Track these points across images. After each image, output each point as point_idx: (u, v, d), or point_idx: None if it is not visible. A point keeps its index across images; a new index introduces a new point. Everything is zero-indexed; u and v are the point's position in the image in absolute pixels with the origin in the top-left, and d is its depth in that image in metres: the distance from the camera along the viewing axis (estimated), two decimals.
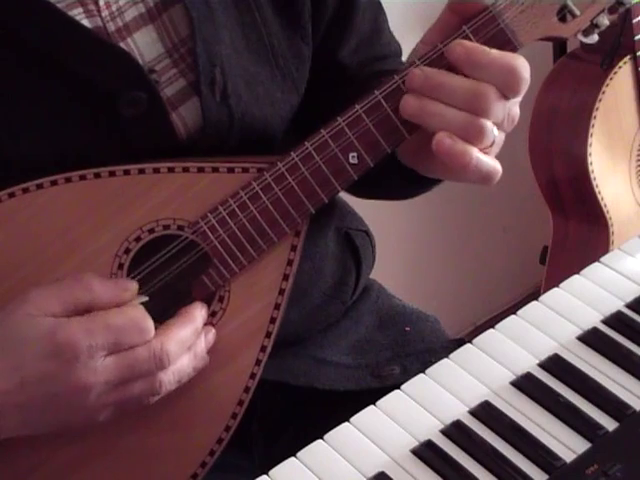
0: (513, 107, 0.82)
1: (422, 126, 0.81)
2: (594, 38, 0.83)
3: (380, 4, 1.01)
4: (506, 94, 0.80)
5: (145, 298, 0.82)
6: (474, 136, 0.80)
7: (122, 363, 0.77)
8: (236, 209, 0.82)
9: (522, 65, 0.79)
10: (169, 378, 0.79)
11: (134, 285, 0.81)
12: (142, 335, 0.78)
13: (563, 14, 0.81)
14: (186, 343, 0.80)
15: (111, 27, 0.83)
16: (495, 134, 0.81)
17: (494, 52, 0.79)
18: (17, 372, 0.76)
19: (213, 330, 0.83)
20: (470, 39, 0.80)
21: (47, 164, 0.82)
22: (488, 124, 0.80)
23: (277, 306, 0.85)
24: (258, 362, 0.85)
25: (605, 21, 0.82)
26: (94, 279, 0.79)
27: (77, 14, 0.82)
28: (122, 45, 0.83)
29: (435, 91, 0.79)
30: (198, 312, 0.83)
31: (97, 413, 0.79)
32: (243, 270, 0.84)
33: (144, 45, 0.84)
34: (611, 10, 0.82)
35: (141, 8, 0.84)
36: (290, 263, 0.85)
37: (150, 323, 0.79)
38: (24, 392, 0.76)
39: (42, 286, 0.79)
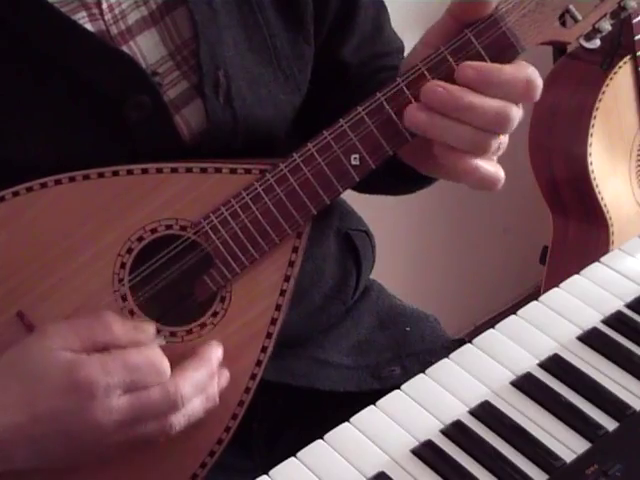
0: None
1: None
2: (596, 43, 0.83)
3: (382, 1, 1.01)
4: (520, 103, 0.80)
5: (163, 341, 0.82)
6: (484, 151, 0.80)
7: (136, 403, 0.77)
8: (238, 210, 0.83)
9: (535, 75, 0.79)
10: (180, 421, 0.79)
11: (152, 328, 0.81)
12: (158, 376, 0.78)
13: (565, 19, 0.81)
14: (200, 386, 0.80)
15: (114, 30, 0.83)
16: (504, 145, 0.81)
17: (505, 68, 0.79)
18: (31, 405, 0.76)
19: (227, 373, 0.83)
20: (472, 42, 0.79)
21: (52, 167, 0.82)
22: (500, 139, 0.80)
23: (278, 307, 0.85)
24: (259, 363, 0.85)
25: (607, 26, 0.82)
26: (113, 319, 0.79)
27: (80, 18, 0.82)
28: (125, 48, 0.83)
29: (461, 112, 0.78)
30: (214, 354, 0.82)
31: (107, 450, 0.79)
32: (245, 271, 0.84)
33: (147, 48, 0.84)
34: (613, 15, 0.82)
35: (144, 11, 0.84)
36: (292, 264, 0.85)
37: (167, 365, 0.79)
38: (37, 426, 0.76)
39: (60, 321, 0.79)
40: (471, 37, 0.80)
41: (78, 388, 0.75)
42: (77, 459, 0.79)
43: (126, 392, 0.77)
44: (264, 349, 0.85)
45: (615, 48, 1.65)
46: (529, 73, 0.79)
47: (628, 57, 1.68)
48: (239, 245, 0.83)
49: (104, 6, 0.83)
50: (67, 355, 0.76)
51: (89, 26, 0.82)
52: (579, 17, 0.81)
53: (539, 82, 0.79)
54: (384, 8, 1.01)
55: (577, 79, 1.72)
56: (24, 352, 0.78)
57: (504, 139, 0.82)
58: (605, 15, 0.82)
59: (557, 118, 1.73)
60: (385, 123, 0.81)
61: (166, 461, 0.85)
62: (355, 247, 1.04)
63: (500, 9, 0.80)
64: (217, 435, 0.85)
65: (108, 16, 0.83)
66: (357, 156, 0.82)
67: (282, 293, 0.85)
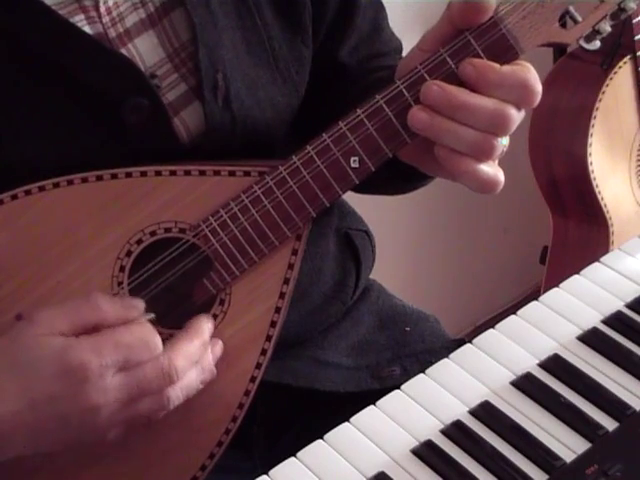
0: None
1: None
2: (596, 44, 0.83)
3: (380, 1, 1.01)
4: (520, 108, 0.79)
5: (152, 315, 0.82)
6: (485, 154, 0.79)
7: (131, 381, 0.77)
8: (237, 212, 0.82)
9: (534, 78, 0.79)
10: (177, 394, 0.79)
11: (141, 303, 0.81)
12: (150, 352, 0.78)
13: (565, 20, 0.81)
14: (194, 357, 0.80)
15: (112, 33, 0.83)
16: (504, 146, 0.81)
17: (504, 69, 0.78)
18: (27, 392, 0.76)
19: (220, 342, 0.83)
20: (472, 44, 0.79)
21: (50, 169, 0.82)
22: (500, 141, 0.79)
23: (278, 310, 0.85)
24: (258, 365, 0.85)
25: (607, 27, 0.81)
26: (102, 298, 0.79)
27: (79, 21, 0.82)
28: (123, 51, 0.83)
29: (455, 110, 0.78)
30: (205, 325, 0.82)
31: (107, 431, 0.79)
32: (244, 273, 0.84)
33: (145, 50, 0.84)
34: (613, 16, 0.81)
35: (142, 13, 0.84)
36: (291, 267, 0.85)
37: (158, 339, 0.79)
38: (34, 412, 0.76)
39: (50, 306, 0.79)
40: (471, 39, 0.79)
41: (71, 372, 0.75)
42: (75, 444, 0.79)
43: (120, 371, 0.77)
44: (264, 352, 0.85)
45: (615, 48, 1.65)
46: (527, 77, 0.78)
47: (628, 57, 1.69)
48: (238, 248, 0.83)
49: (102, 9, 0.82)
50: (57, 340, 0.76)
51: (87, 29, 0.82)
52: (579, 18, 0.81)
53: (537, 87, 0.79)
54: (382, 8, 1.01)
55: (577, 79, 1.72)
56: (15, 341, 0.77)
57: (505, 141, 0.82)
58: (605, 16, 0.81)
59: (557, 118, 1.73)
60: (384, 126, 0.81)
61: (166, 463, 0.85)
62: (355, 247, 1.04)
63: (500, 11, 0.79)
64: (217, 437, 0.85)
65: (106, 19, 0.83)
66: (356, 159, 0.82)
67: (282, 296, 0.85)
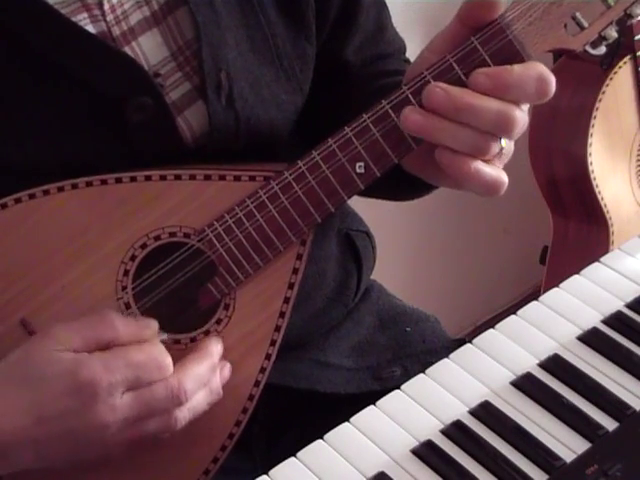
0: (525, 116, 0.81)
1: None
2: (602, 50, 0.83)
3: (383, 0, 1.01)
4: (535, 102, 0.79)
5: (165, 336, 0.82)
6: (484, 152, 0.79)
7: (140, 400, 0.77)
8: (242, 218, 0.82)
9: (546, 70, 0.78)
10: (184, 415, 0.79)
11: (154, 323, 0.82)
12: (161, 372, 0.78)
13: (571, 26, 0.81)
14: (203, 379, 0.80)
15: (116, 31, 0.83)
16: (508, 151, 0.81)
17: (516, 68, 0.78)
18: (35, 408, 0.76)
19: (228, 365, 0.83)
20: (478, 50, 0.79)
21: (53, 170, 0.81)
22: (500, 140, 0.79)
23: (282, 314, 0.85)
24: (262, 370, 0.85)
25: (613, 33, 0.81)
26: (116, 317, 0.79)
27: (82, 19, 0.82)
28: (127, 49, 0.83)
29: (460, 112, 0.77)
30: (214, 347, 0.83)
31: (113, 448, 0.79)
32: (249, 278, 0.84)
33: (149, 49, 0.84)
34: (619, 22, 0.81)
35: (146, 11, 0.84)
36: (296, 272, 0.84)
37: (169, 360, 0.79)
38: (41, 428, 0.76)
39: (64, 322, 0.79)
40: (477, 45, 0.79)
41: (81, 388, 0.75)
42: (81, 459, 0.79)
43: (129, 389, 0.77)
44: (268, 356, 0.85)
45: (615, 48, 1.65)
46: (540, 69, 0.78)
47: (628, 57, 1.69)
48: (243, 253, 0.83)
49: (106, 7, 0.82)
50: (68, 356, 0.76)
51: (90, 27, 0.82)
52: (585, 24, 0.81)
53: (551, 77, 0.78)
54: (386, 7, 1.01)
55: (577, 79, 1.72)
56: (26, 355, 0.77)
57: (509, 146, 0.82)
58: (611, 23, 0.81)
59: (557, 118, 1.73)
60: (390, 131, 0.81)
61: (170, 468, 0.85)
62: (356, 248, 1.04)
63: (506, 17, 0.79)
64: (221, 442, 0.85)
65: (110, 17, 0.83)
66: (362, 164, 0.82)
67: (286, 300, 0.85)
